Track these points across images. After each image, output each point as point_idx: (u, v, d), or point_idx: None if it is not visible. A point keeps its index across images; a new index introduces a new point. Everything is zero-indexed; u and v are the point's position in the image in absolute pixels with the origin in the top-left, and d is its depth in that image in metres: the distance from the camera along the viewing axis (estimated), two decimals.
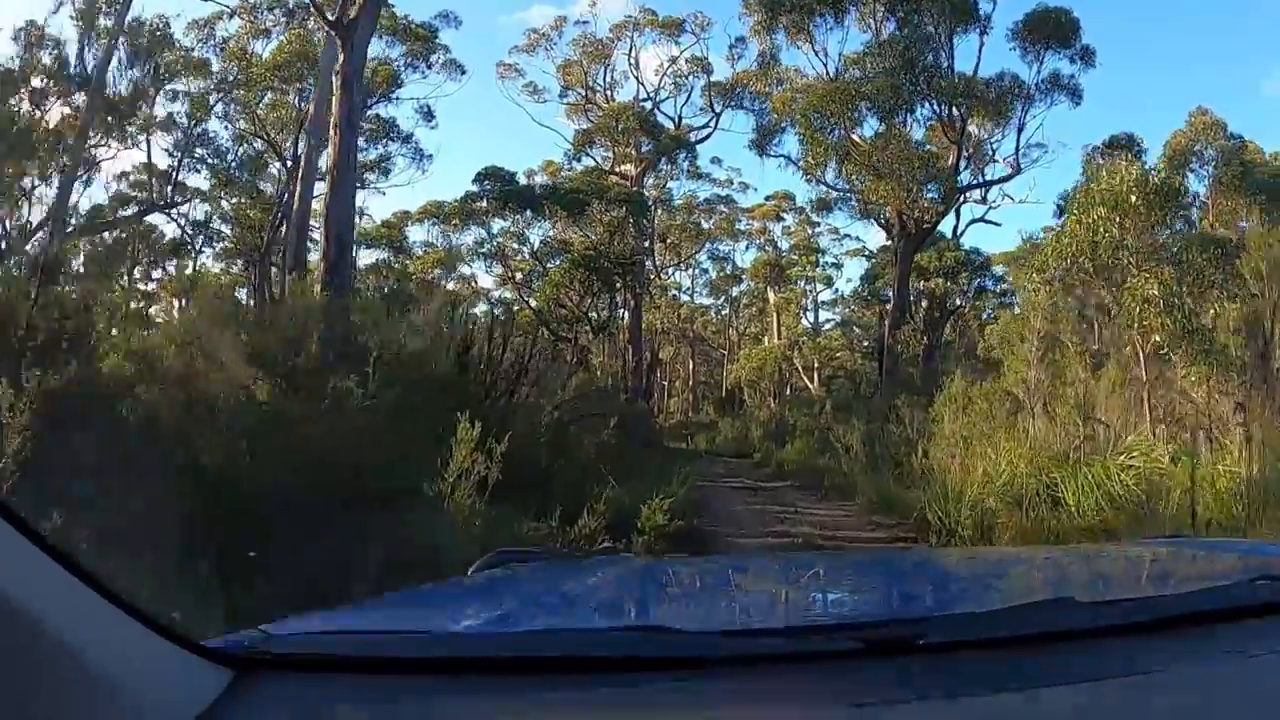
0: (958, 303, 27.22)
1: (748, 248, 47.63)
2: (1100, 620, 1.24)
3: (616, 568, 2.38)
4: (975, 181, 22.07)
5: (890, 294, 29.65)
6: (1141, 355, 9.95)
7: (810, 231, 47.48)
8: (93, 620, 0.95)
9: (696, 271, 50.99)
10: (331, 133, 14.04)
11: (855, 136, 20.50)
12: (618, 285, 29.22)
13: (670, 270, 41.41)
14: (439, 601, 1.85)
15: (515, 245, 30.83)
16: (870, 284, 28.82)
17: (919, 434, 15.02)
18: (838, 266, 47.79)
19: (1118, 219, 9.50)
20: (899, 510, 12.28)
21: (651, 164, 33.44)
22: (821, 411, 23.01)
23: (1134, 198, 9.54)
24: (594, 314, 29.77)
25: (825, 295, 47.86)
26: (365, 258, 42.48)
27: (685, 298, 51.40)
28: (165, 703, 0.99)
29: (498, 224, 30.55)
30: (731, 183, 42.11)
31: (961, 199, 21.19)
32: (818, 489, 16.55)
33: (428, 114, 30.03)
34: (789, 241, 47.40)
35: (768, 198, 46.55)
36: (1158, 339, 9.67)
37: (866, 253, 33.59)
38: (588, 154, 33.18)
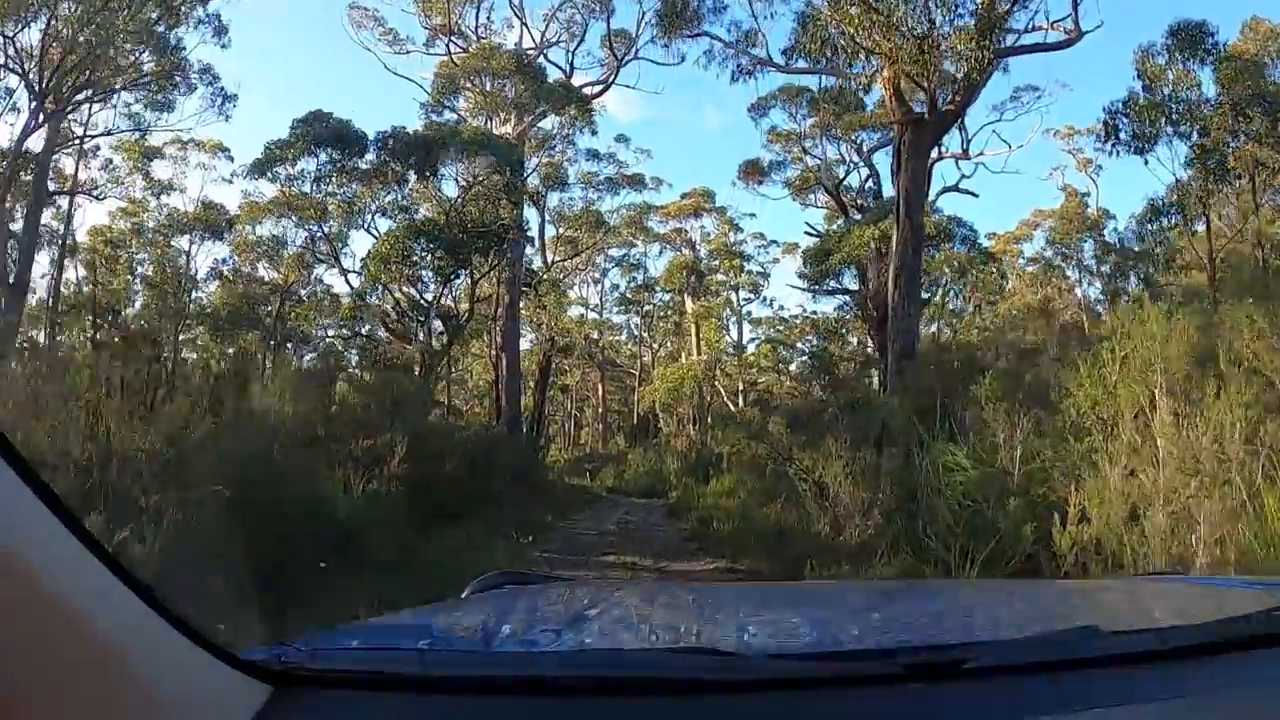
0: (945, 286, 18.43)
1: (661, 252, 38.81)
2: (1128, 648, 1.21)
3: (626, 591, 2.46)
4: (1022, 41, 12.91)
5: (850, 277, 20.99)
6: None
7: (733, 238, 39.21)
8: (139, 628, 0.91)
9: (607, 286, 42.13)
10: None
11: None
12: (480, 267, 19.81)
13: (569, 272, 32.03)
14: (461, 619, 1.70)
15: (344, 215, 21.05)
16: (819, 264, 20.08)
17: (1051, 466, 5.99)
18: (765, 275, 39.47)
19: None
20: None
21: (534, 123, 24.26)
22: (762, 428, 13.81)
23: None
24: (449, 304, 20.32)
25: (753, 308, 39.20)
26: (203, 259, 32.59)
27: (594, 315, 42.41)
28: (205, 715, 0.97)
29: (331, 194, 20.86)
30: (643, 180, 32.98)
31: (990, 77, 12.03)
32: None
33: (219, 29, 20.35)
34: (708, 248, 38.96)
35: (684, 195, 38.15)
36: None
37: (811, 230, 24.94)
38: (450, 108, 23.88)
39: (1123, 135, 16.14)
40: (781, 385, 39.71)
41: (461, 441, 14.52)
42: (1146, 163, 15.19)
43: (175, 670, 0.93)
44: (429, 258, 18.46)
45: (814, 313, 42.44)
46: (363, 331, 20.51)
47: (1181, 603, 1.82)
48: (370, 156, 20.13)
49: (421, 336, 19.70)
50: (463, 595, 1.85)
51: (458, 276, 19.62)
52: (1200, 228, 16.21)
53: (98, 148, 26.78)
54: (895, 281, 10.60)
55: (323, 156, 19.93)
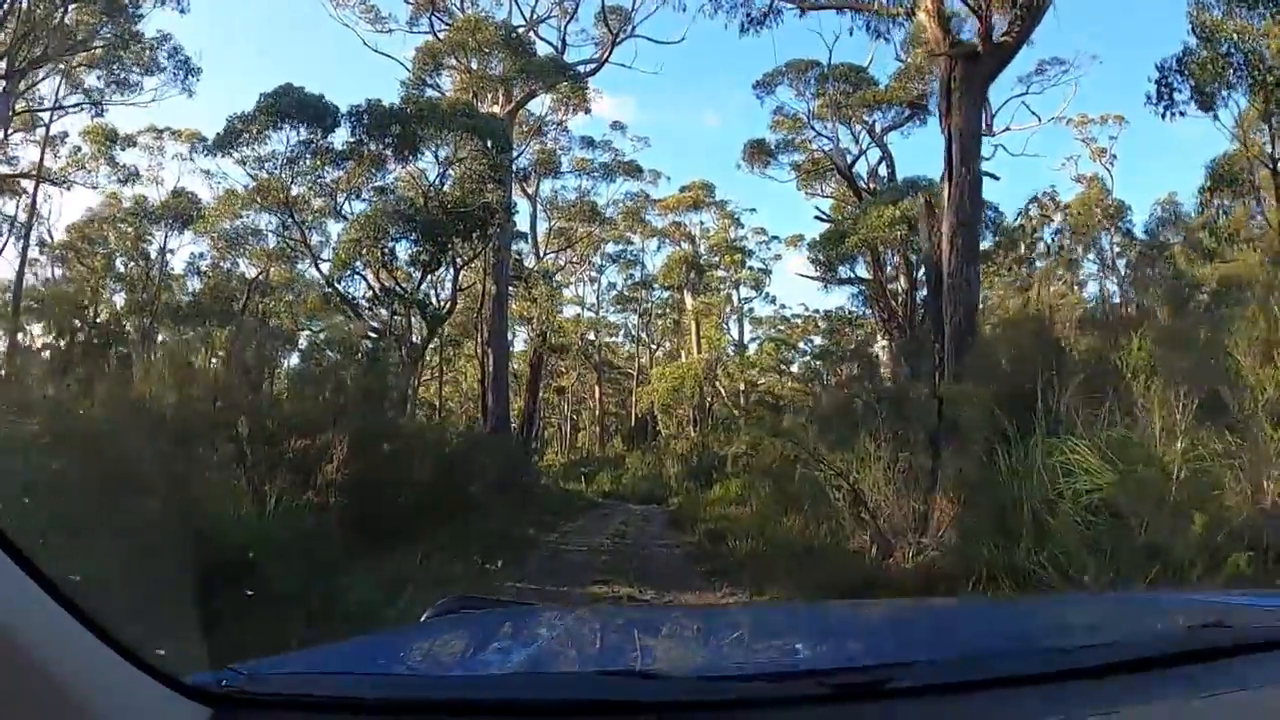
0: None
1: (659, 247, 36.80)
2: (1053, 666, 1.20)
3: (578, 615, 2.38)
4: None
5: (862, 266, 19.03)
6: None
7: (734, 234, 37.27)
8: (79, 653, 0.90)
9: (604, 285, 40.15)
10: None
11: None
12: (463, 253, 17.80)
13: (563, 266, 30.01)
14: (407, 645, 1.70)
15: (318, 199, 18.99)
16: (833, 248, 18.11)
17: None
18: (766, 272, 37.49)
19: None
20: None
21: (524, 102, 22.32)
22: (777, 424, 11.88)
23: None
24: (429, 291, 18.33)
25: (755, 304, 37.21)
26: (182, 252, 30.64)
27: (590, 314, 40.40)
28: None
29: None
30: (639, 168, 30.84)
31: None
32: None
33: None
34: (708, 244, 36.98)
35: (683, 188, 36.19)
36: None
37: (822, 215, 23.02)
38: (433, 86, 21.90)
39: (1178, 96, 14.27)
40: (783, 386, 37.82)
41: (435, 443, 12.52)
42: (1216, 117, 13.27)
43: (118, 693, 0.92)
44: (404, 241, 16.46)
45: (818, 310, 40.77)
46: (341, 325, 18.46)
47: (1116, 619, 1.80)
48: (344, 134, 18.14)
49: (398, 328, 17.73)
50: (421, 619, 1.80)
51: (438, 264, 17.61)
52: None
53: (65, 134, 24.94)
54: (950, 241, 8.62)
55: (293, 138, 17.93)
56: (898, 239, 17.18)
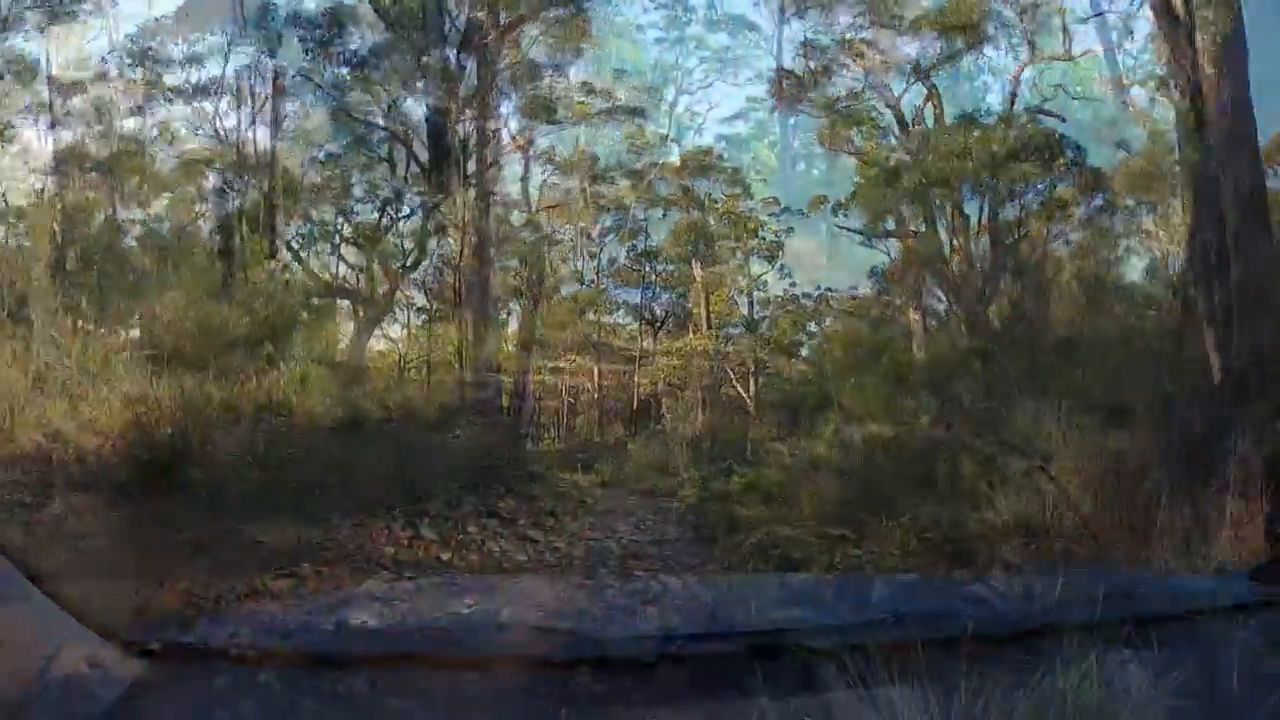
0: None
1: (665, 215, 33.03)
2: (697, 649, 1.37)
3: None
4: None
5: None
6: None
7: (745, 205, 33.62)
8: (20, 604, 0.95)
9: (603, 262, 36.43)
10: None
11: None
12: (430, 175, 14.04)
13: (550, 218, 26.23)
14: (337, 608, 1.79)
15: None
16: (885, 187, 14.43)
17: None
18: (779, 245, 33.81)
19: None
20: None
21: (510, 27, 18.53)
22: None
23: None
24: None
25: (768, 277, 33.50)
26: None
27: (588, 290, 36.70)
28: (85, 688, 0.99)
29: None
30: (645, 119, 26.87)
31: None
32: None
33: None
34: (717, 215, 33.33)
35: (691, 151, 32.43)
36: None
37: (858, 155, 19.37)
38: None
39: None
40: (792, 369, 34.44)
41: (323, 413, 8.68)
42: None
43: (57, 644, 0.95)
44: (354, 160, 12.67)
45: (829, 289, 37.25)
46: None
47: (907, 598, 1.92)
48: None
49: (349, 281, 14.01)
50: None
51: (399, 199, 13.81)
52: None
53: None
54: (1215, 64, 5.01)
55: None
56: (969, 173, 13.48)
